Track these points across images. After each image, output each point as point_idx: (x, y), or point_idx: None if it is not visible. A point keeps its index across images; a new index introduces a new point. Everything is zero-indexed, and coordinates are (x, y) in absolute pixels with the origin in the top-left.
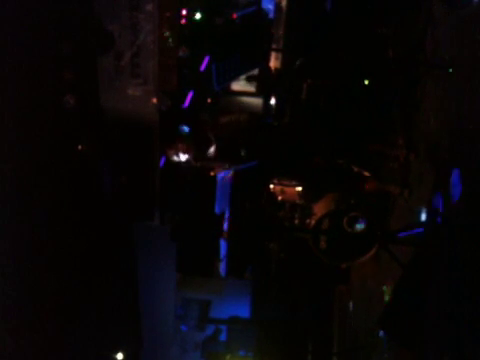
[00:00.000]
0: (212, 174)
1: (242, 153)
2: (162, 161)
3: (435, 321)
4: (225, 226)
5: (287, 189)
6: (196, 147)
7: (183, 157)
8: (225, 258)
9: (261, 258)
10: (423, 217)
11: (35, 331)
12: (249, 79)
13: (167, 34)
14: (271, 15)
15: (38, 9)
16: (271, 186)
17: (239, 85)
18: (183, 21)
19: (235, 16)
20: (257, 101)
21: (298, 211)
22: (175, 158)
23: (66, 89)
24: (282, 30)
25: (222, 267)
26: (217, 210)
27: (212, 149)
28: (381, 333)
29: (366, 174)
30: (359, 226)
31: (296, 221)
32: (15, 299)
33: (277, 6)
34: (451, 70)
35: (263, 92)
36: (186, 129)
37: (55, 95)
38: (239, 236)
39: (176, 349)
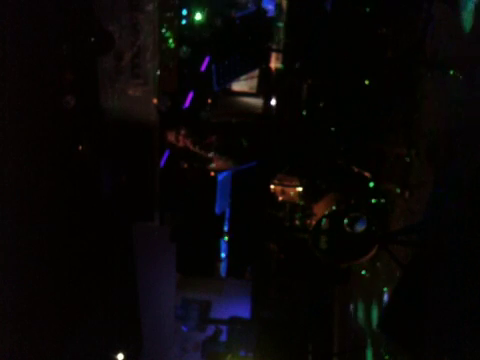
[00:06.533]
0: (212, 174)
1: (242, 153)
2: (162, 161)
3: (435, 321)
4: (225, 226)
5: (287, 189)
6: (196, 135)
7: (182, 141)
8: (225, 258)
9: (261, 258)
10: (423, 217)
11: (36, 332)
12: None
13: (167, 34)
14: (271, 15)
15: (38, 10)
16: (271, 186)
17: (239, 85)
18: (183, 21)
19: (235, 16)
20: (257, 101)
21: (298, 211)
22: (174, 142)
23: (66, 89)
24: (282, 30)
25: (222, 267)
26: (217, 210)
27: (211, 141)
28: (381, 333)
29: (366, 174)
30: (359, 226)
31: (296, 221)
32: (15, 299)
33: (277, 6)
34: (452, 72)
35: (263, 92)
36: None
37: (55, 95)
38: (239, 236)
39: (176, 349)
